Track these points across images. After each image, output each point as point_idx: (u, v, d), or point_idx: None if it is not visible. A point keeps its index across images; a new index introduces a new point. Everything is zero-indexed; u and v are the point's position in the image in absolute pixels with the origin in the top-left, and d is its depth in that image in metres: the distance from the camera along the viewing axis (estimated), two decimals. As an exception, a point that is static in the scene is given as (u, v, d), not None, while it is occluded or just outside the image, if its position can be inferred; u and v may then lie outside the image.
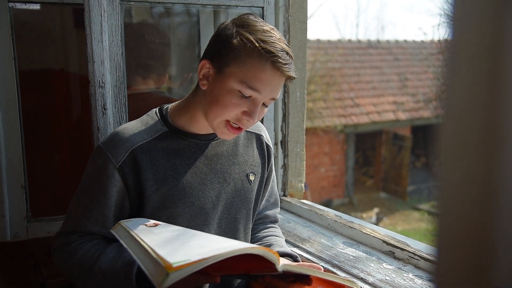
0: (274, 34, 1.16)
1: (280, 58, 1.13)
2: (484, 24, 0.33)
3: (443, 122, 0.34)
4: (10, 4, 1.71)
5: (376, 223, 8.96)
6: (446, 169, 0.34)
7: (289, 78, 1.19)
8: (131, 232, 1.01)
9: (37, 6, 2.09)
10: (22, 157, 1.75)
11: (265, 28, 1.17)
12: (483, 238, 0.33)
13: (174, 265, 0.82)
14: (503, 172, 0.32)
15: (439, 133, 0.34)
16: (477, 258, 0.33)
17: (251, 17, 1.20)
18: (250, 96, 1.16)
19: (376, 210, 10.36)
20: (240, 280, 1.38)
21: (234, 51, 1.14)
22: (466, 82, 0.33)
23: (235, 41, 1.15)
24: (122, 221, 1.10)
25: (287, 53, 1.16)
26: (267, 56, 1.12)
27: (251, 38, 1.13)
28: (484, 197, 0.33)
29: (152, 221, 1.12)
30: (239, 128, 1.21)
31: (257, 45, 1.12)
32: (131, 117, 1.37)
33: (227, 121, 1.19)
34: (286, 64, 1.14)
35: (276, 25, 1.90)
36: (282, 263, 1.02)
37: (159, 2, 1.74)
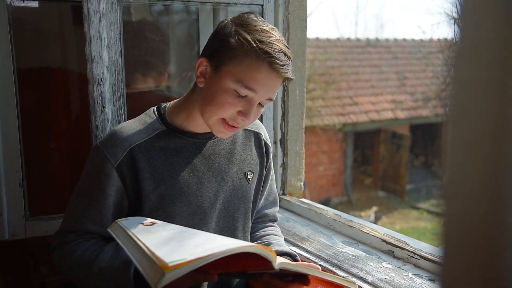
0: (273, 34, 1.15)
1: (277, 59, 1.12)
2: (494, 23, 0.32)
3: (450, 122, 0.33)
4: (8, 1, 1.70)
5: (375, 222, 8.97)
6: (453, 170, 0.33)
7: (287, 79, 1.18)
8: (127, 231, 1.01)
9: (35, 4, 2.08)
10: (20, 155, 1.75)
11: (264, 28, 1.16)
12: (490, 238, 0.32)
13: (170, 265, 0.81)
14: (510, 172, 0.32)
15: (446, 134, 0.33)
16: (484, 259, 0.32)
17: (252, 16, 1.19)
18: (246, 96, 1.15)
19: (374, 208, 10.37)
20: (238, 279, 1.38)
21: (232, 50, 1.14)
22: (473, 82, 0.33)
23: (232, 40, 1.14)
24: (119, 220, 1.10)
25: (285, 54, 1.15)
26: (264, 57, 1.11)
27: (249, 38, 1.12)
28: (492, 199, 0.32)
29: (149, 220, 1.11)
30: (235, 127, 1.20)
31: (254, 45, 1.11)
32: (130, 116, 1.36)
33: (223, 119, 1.19)
34: (283, 65, 1.13)
35: (276, 23, 1.90)
36: (279, 261, 1.02)
37: (158, 0, 1.73)
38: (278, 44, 1.14)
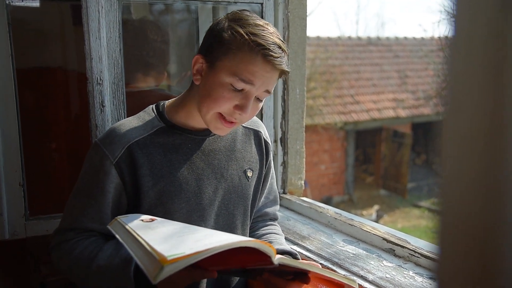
0: (266, 28, 1.16)
1: (271, 51, 1.12)
2: (488, 21, 0.32)
3: (446, 119, 0.33)
4: (7, 1, 1.69)
5: (376, 221, 8.97)
6: (449, 166, 0.33)
7: (283, 72, 1.18)
8: (127, 227, 1.01)
9: (34, 3, 2.08)
10: (19, 155, 1.74)
11: (257, 22, 1.16)
12: (487, 236, 0.32)
13: (169, 258, 0.81)
14: (507, 170, 0.31)
15: (442, 130, 0.33)
16: (480, 257, 0.32)
17: (246, 12, 1.20)
18: (242, 90, 1.15)
19: (376, 207, 10.37)
20: (238, 278, 1.37)
21: (225, 45, 1.14)
22: (469, 79, 0.32)
23: (225, 35, 1.14)
24: (118, 216, 1.09)
25: (280, 47, 1.14)
26: (258, 49, 1.11)
27: (241, 31, 1.12)
28: (488, 195, 0.32)
29: (149, 217, 1.11)
30: (232, 123, 1.20)
31: (246, 38, 1.11)
32: (130, 115, 1.36)
33: (219, 114, 1.18)
34: (277, 57, 1.13)
35: (276, 22, 1.89)
36: (279, 257, 1.01)
37: (157, -1, 1.73)
38: (271, 37, 1.14)
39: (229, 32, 1.14)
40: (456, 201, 0.33)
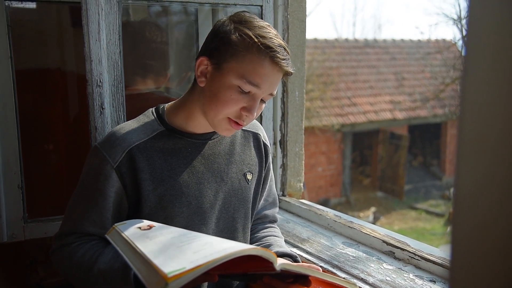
0: (270, 30, 1.18)
1: (278, 53, 1.14)
2: (504, 22, 0.31)
3: (463, 122, 0.32)
4: (6, 3, 1.69)
5: (373, 222, 8.98)
6: (465, 169, 0.33)
7: (287, 73, 1.19)
8: (125, 237, 1.00)
9: (33, 5, 2.07)
10: (18, 157, 1.74)
11: (261, 24, 1.18)
12: (503, 239, 0.31)
13: (170, 275, 0.81)
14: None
15: (458, 132, 0.33)
16: (496, 261, 0.32)
17: (247, 14, 1.21)
18: (249, 92, 1.16)
19: (373, 209, 10.38)
20: (238, 281, 1.37)
21: (233, 46, 1.14)
22: (486, 81, 0.32)
23: (233, 36, 1.15)
24: (116, 224, 1.08)
25: (285, 49, 1.17)
26: (266, 52, 1.13)
27: (250, 33, 1.13)
28: (504, 198, 0.31)
29: (146, 223, 1.10)
30: (239, 124, 1.21)
31: (256, 40, 1.12)
32: (130, 117, 1.36)
33: (229, 118, 1.19)
34: (284, 59, 1.15)
35: (275, 24, 1.89)
36: (281, 262, 1.01)
37: (157, 1, 1.73)
38: (277, 39, 1.16)
39: (237, 34, 1.15)
40: (471, 205, 0.33)
